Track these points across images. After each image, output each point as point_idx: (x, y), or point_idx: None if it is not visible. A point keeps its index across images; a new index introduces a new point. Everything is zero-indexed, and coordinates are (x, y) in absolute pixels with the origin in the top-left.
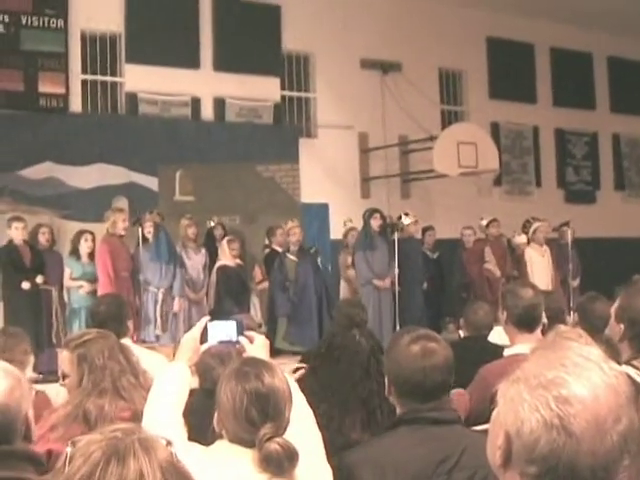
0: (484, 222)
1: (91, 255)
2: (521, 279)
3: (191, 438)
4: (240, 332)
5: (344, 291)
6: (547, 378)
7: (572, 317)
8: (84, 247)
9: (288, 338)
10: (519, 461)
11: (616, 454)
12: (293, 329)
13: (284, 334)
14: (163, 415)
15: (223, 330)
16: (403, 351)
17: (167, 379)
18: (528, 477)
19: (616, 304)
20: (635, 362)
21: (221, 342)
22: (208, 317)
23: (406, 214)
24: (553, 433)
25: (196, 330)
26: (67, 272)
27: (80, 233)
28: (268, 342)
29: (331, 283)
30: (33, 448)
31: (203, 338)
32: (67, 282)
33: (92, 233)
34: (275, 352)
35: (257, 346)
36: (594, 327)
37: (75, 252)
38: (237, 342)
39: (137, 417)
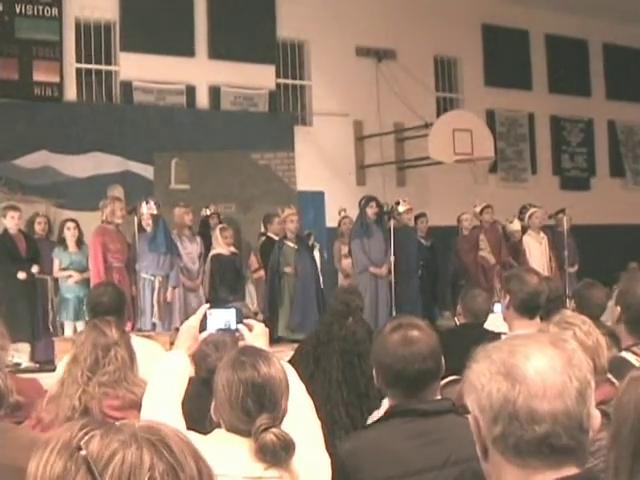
0: (477, 209)
1: (78, 243)
2: (523, 265)
3: (187, 426)
4: (239, 320)
5: (340, 278)
6: (503, 364)
7: (569, 304)
8: (68, 236)
9: (290, 326)
10: (489, 436)
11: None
12: (295, 317)
13: (286, 322)
14: (162, 404)
15: (222, 318)
16: (384, 340)
17: (166, 368)
18: (499, 442)
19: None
20: (635, 348)
21: (220, 330)
22: (207, 305)
23: (398, 203)
24: (499, 379)
25: (195, 318)
26: (56, 263)
27: (63, 222)
28: (267, 330)
29: (329, 270)
30: None
31: (202, 326)
32: (56, 272)
33: (75, 221)
34: (275, 340)
35: (256, 334)
36: (591, 314)
37: (62, 242)
38: (236, 330)
39: (124, 407)
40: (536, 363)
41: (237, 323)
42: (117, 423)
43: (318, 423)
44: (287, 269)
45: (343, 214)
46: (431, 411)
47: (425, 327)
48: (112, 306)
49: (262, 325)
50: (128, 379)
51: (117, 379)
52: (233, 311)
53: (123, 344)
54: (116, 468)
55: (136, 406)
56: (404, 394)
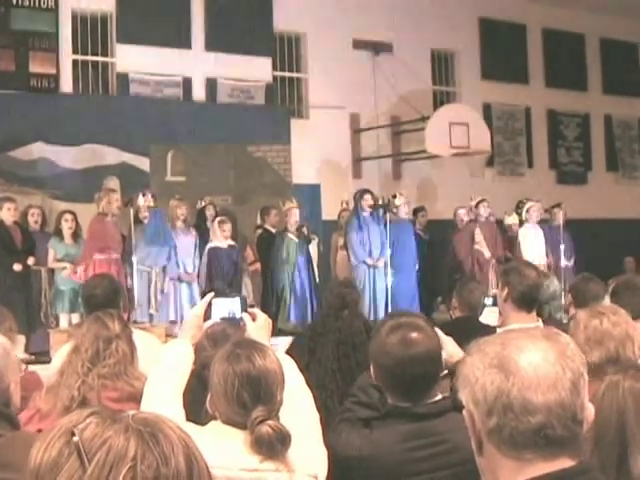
0: (473, 202)
1: (74, 235)
2: (520, 259)
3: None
4: (244, 309)
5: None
6: (496, 357)
7: (566, 298)
8: (65, 227)
9: (292, 318)
10: (484, 429)
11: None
12: (296, 309)
13: (288, 314)
14: (163, 394)
15: (227, 307)
16: (383, 340)
17: (170, 357)
18: (494, 435)
19: None
20: None
21: (224, 319)
22: (212, 294)
23: (394, 196)
24: (493, 372)
25: (200, 307)
26: (51, 253)
27: (61, 214)
28: (270, 321)
29: (325, 263)
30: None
31: (207, 315)
32: (51, 263)
33: (73, 213)
34: (277, 333)
35: (259, 326)
36: (587, 308)
37: (59, 233)
38: (240, 319)
39: (121, 399)
40: (529, 355)
41: (242, 312)
42: (125, 413)
43: (317, 415)
44: (288, 262)
45: (344, 206)
46: (427, 414)
47: (425, 327)
48: (106, 299)
49: (265, 316)
50: (128, 372)
51: (117, 372)
52: (237, 300)
53: (124, 338)
54: (102, 456)
55: (134, 399)
56: (402, 396)
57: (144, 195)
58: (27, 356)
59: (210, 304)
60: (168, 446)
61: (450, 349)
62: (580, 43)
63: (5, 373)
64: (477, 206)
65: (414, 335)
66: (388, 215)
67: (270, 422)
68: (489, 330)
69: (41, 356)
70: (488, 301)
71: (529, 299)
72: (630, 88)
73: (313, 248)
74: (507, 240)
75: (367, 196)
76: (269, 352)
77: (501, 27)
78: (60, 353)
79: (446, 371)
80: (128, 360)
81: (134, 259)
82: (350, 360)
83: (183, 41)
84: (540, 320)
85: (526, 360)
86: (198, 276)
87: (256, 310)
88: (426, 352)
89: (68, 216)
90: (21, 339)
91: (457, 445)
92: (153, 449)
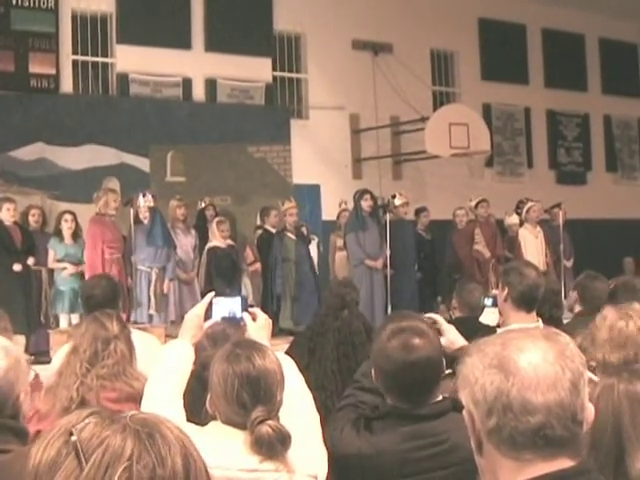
0: (473, 203)
1: (74, 235)
2: (520, 259)
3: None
4: (244, 308)
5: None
6: (496, 357)
7: (567, 297)
8: (65, 228)
9: (293, 318)
10: (484, 429)
11: (568, 398)
12: (297, 308)
13: (289, 314)
14: (163, 394)
15: (227, 306)
16: (384, 344)
17: (170, 357)
18: (493, 435)
19: None
20: None
21: (225, 319)
22: (213, 293)
23: (394, 196)
24: (493, 372)
25: (200, 307)
26: (51, 254)
27: (61, 214)
28: (271, 321)
29: (325, 263)
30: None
31: (208, 314)
32: (51, 264)
33: (72, 213)
34: (277, 333)
35: (260, 326)
36: (594, 306)
37: (58, 233)
38: (241, 319)
39: (120, 400)
40: (529, 355)
41: (242, 311)
42: (124, 414)
43: (316, 416)
44: (288, 261)
45: (343, 206)
46: (427, 415)
47: (427, 331)
48: (105, 299)
49: (266, 317)
50: (127, 373)
51: (116, 372)
52: (238, 299)
53: (123, 338)
54: (99, 456)
55: (133, 399)
56: (402, 399)
57: (144, 195)
58: (27, 357)
59: (211, 304)
60: (165, 447)
61: (451, 337)
62: (580, 43)
63: (15, 383)
64: (477, 206)
65: (416, 341)
66: (388, 215)
67: (270, 422)
68: (489, 330)
69: (41, 356)
70: (488, 301)
71: (529, 299)
72: (630, 88)
73: (313, 248)
74: (507, 240)
75: (367, 196)
76: (269, 352)
77: (501, 27)
78: (59, 354)
79: (448, 371)
80: (127, 360)
81: (134, 259)
82: (350, 360)
83: (183, 41)
84: (540, 320)
85: (526, 360)
86: (198, 276)
87: (256, 310)
88: (427, 358)
89: (68, 216)
90: (20, 339)
91: (457, 445)
92: (150, 449)
